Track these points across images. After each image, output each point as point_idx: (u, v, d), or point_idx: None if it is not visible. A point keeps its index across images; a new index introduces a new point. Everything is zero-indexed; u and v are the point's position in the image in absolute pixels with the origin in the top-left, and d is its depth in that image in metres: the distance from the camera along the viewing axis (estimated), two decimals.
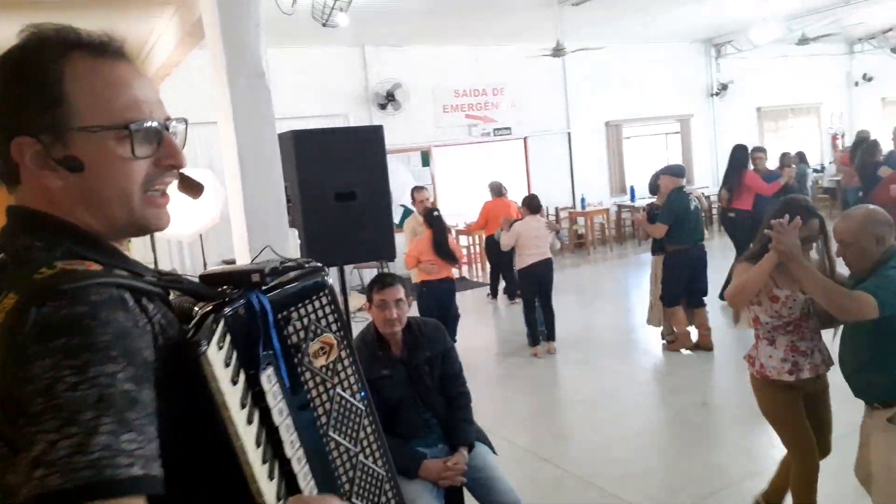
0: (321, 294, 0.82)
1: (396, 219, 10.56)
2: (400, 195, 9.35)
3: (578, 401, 5.65)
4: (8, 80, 0.88)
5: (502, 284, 9.38)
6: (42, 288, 0.76)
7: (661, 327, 6.62)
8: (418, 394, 3.13)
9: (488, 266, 9.92)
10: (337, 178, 3.34)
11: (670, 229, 6.16)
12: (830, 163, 15.48)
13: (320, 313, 0.81)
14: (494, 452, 3.25)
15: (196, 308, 0.83)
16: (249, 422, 0.76)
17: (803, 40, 10.86)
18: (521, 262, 6.66)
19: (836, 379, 2.98)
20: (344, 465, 0.78)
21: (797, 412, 3.02)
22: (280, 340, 0.81)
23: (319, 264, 0.89)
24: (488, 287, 9.76)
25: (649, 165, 15.41)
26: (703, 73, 15.07)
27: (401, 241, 7.58)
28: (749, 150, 8.11)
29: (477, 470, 3.08)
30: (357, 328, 3.47)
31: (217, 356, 0.76)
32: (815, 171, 15.54)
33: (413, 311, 3.41)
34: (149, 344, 0.78)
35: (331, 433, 0.78)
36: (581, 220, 12.96)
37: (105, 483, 0.68)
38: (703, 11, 11.94)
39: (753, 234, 7.36)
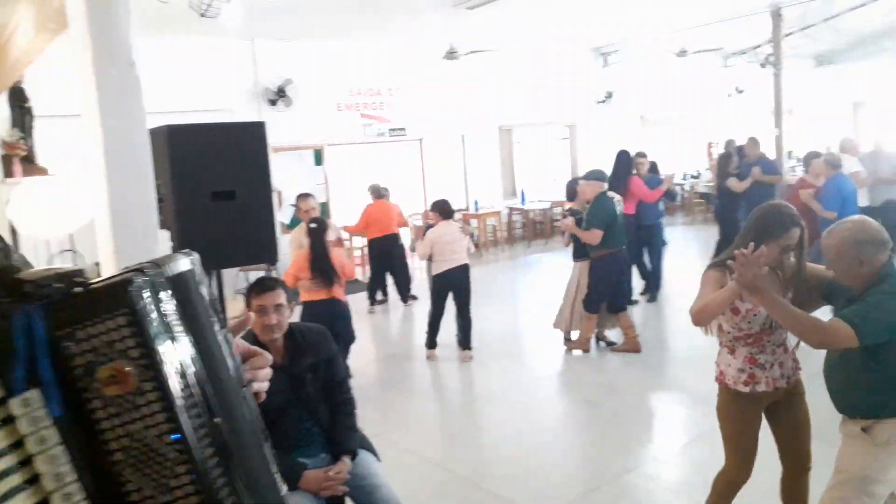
0: (118, 313, 0.72)
1: (287, 218, 10.39)
2: (290, 194, 9.12)
3: (468, 403, 5.69)
4: None
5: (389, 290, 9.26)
6: None
7: (573, 331, 6.57)
8: (300, 402, 3.02)
9: (369, 271, 9.64)
10: (214, 177, 3.16)
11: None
12: (707, 169, 16.45)
13: (115, 335, 0.71)
14: (378, 459, 3.20)
15: None
16: None
17: (682, 52, 11.48)
18: (436, 269, 6.49)
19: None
20: None
21: (747, 423, 2.96)
22: (56, 361, 0.71)
23: (143, 271, 0.77)
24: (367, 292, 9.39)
25: (539, 170, 15.88)
26: (590, 79, 15.63)
27: (288, 243, 7.38)
28: (632, 156, 8.37)
29: (360, 478, 3.02)
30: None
31: None
32: (693, 177, 16.52)
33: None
34: None
35: (127, 472, 0.69)
36: (474, 223, 13.13)
37: None
38: (591, 20, 12.37)
39: (637, 237, 7.61)
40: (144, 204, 2.93)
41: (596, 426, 5.00)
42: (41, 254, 8.94)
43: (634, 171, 8.14)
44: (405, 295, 9.25)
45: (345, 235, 9.40)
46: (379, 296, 9.39)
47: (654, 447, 4.53)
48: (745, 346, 2.92)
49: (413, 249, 7.01)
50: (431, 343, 6.72)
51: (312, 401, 3.05)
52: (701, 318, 2.83)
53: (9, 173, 6.04)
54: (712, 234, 9.62)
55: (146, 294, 0.74)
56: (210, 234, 3.08)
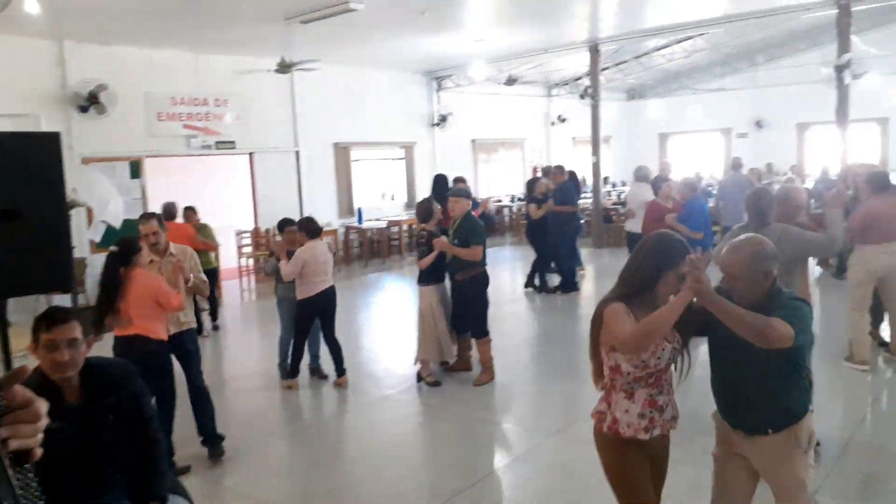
0: None
1: (98, 236, 9.47)
2: (101, 210, 8.31)
3: (302, 430, 5.45)
4: None
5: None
6: None
7: (437, 359, 6.23)
8: (99, 447, 2.69)
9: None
10: None
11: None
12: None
13: None
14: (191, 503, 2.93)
15: None
16: None
17: (510, 81, 12.04)
18: (306, 291, 6.02)
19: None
20: None
21: (645, 473, 2.73)
22: None
23: None
24: None
25: (376, 189, 15.89)
26: (425, 103, 15.94)
27: (97, 263, 6.64)
28: (450, 179, 8.47)
29: None
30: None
31: None
32: (520, 199, 17.34)
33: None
34: None
35: None
36: None
37: None
38: (423, 45, 12.62)
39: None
40: None
41: (431, 448, 4.98)
42: None
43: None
44: (214, 321, 8.66)
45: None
46: None
47: (483, 466, 4.58)
48: (645, 387, 2.65)
49: (269, 271, 6.32)
50: (295, 371, 6.19)
51: (113, 444, 2.73)
52: (647, 339, 2.50)
53: None
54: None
55: None
56: None
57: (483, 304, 6.10)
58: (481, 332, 6.08)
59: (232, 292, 11.23)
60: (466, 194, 6.19)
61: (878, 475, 4.13)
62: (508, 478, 4.41)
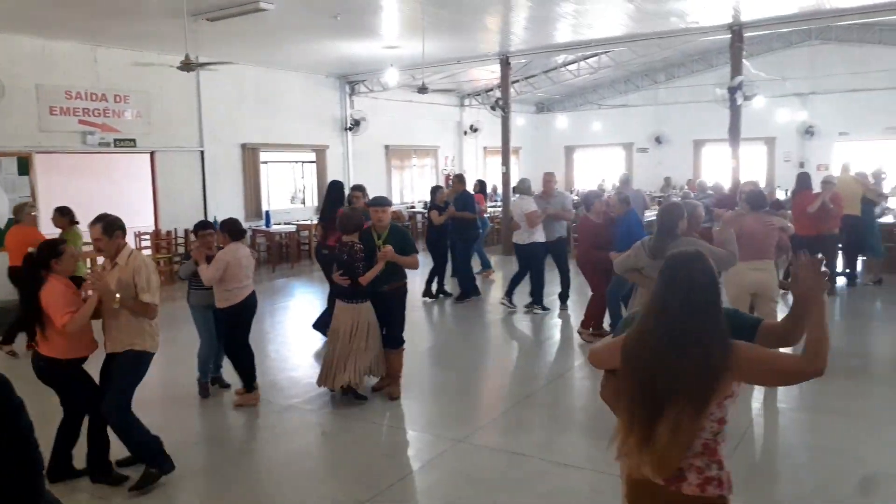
0: None
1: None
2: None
3: (201, 443, 5.25)
4: None
5: None
6: None
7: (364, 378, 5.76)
8: None
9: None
10: None
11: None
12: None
13: None
14: None
15: None
16: None
17: (423, 89, 12.10)
18: (230, 299, 5.59)
19: None
20: None
21: None
22: None
23: None
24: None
25: (286, 192, 15.59)
26: (338, 107, 15.78)
27: None
28: (346, 186, 8.15)
29: None
30: None
31: None
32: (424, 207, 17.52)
33: None
34: None
35: None
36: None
37: None
38: (337, 48, 12.50)
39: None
40: None
41: (336, 458, 4.91)
42: None
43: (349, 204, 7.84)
44: None
45: None
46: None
47: (389, 475, 4.56)
48: (724, 440, 2.24)
49: (183, 275, 5.92)
50: (249, 384, 5.77)
51: None
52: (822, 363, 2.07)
53: None
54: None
55: None
56: None
57: (404, 313, 5.97)
58: (399, 342, 5.90)
59: None
60: (389, 202, 6.01)
61: (763, 465, 4.40)
62: (415, 486, 4.40)
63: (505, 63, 14.08)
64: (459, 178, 10.50)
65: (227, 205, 13.07)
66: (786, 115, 17.80)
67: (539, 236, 8.74)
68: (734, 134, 12.07)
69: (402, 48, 12.39)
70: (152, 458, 4.31)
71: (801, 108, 18.08)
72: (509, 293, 9.07)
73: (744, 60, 12.27)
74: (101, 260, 7.01)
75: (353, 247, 5.46)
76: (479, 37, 12.39)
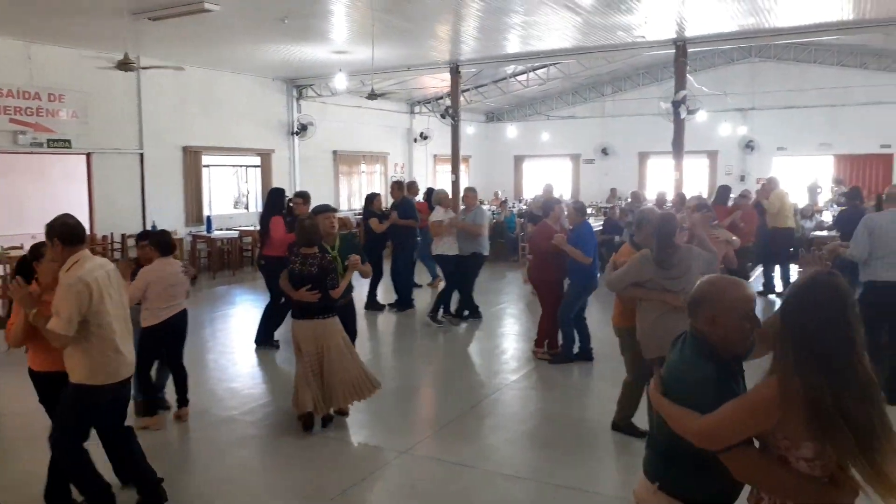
0: None
1: None
2: None
3: None
4: None
5: None
6: None
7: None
8: None
9: None
10: None
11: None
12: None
13: None
14: None
15: None
16: None
17: (372, 95, 12.00)
18: (149, 319, 5.18)
19: None
20: None
21: None
22: None
23: None
24: None
25: (230, 197, 15.25)
26: (284, 110, 15.54)
27: None
28: (286, 195, 7.87)
29: None
30: None
31: None
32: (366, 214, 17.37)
33: None
34: None
35: None
36: None
37: None
38: (284, 52, 12.31)
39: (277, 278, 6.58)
40: None
41: (276, 471, 4.76)
42: None
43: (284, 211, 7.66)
44: None
45: None
46: None
47: (331, 488, 4.44)
48: None
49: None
50: (155, 407, 5.40)
51: None
52: None
53: None
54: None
55: None
56: None
57: (356, 328, 5.86)
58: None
59: None
60: (334, 209, 5.82)
61: None
62: (357, 500, 4.29)
63: (455, 72, 14.09)
64: (398, 185, 10.17)
65: (167, 209, 12.70)
66: (727, 130, 18.33)
67: (445, 249, 8.70)
68: (678, 147, 12.34)
69: (351, 53, 12.27)
70: None
71: (741, 123, 18.65)
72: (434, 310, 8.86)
73: (688, 75, 12.56)
74: None
75: (324, 258, 5.15)
76: (429, 45, 12.37)
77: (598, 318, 7.78)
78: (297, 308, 5.18)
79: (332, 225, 5.64)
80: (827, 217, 13.30)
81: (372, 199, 9.86)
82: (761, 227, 10.05)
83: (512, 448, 5.02)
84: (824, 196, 16.23)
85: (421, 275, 11.16)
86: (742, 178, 18.31)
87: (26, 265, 3.95)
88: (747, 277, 10.02)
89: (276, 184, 15.01)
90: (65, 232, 3.61)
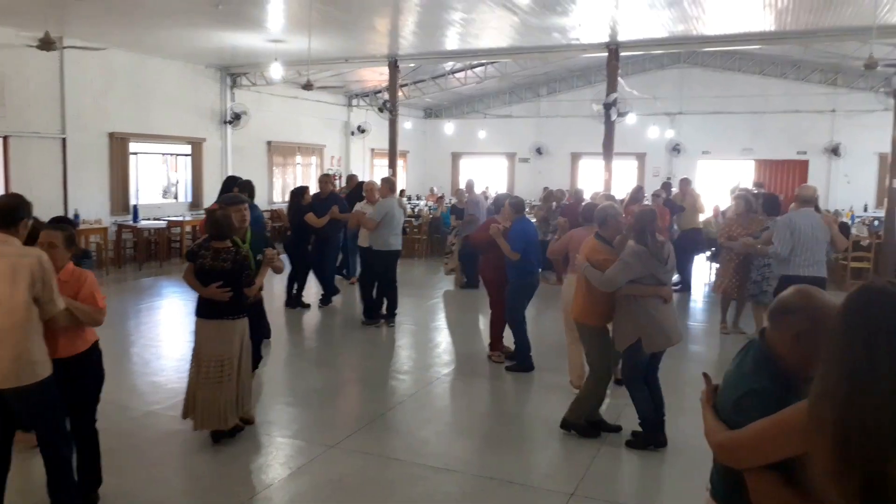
0: None
1: None
2: None
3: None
4: None
5: None
6: None
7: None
8: None
9: None
10: None
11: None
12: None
13: None
14: None
15: None
16: None
17: (308, 86, 11.83)
18: None
19: None
20: None
21: None
22: None
23: None
24: None
25: (158, 186, 14.76)
26: (217, 99, 15.15)
27: None
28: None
29: None
30: None
31: None
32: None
33: None
34: None
35: None
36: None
37: None
38: (217, 38, 12.01)
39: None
40: None
41: (198, 468, 4.66)
42: None
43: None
44: None
45: None
46: None
47: (257, 483, 4.38)
48: None
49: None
50: None
51: None
52: None
53: None
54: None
55: None
56: None
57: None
58: (258, 360, 5.47)
59: None
60: (243, 200, 5.44)
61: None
62: (282, 494, 4.25)
63: (393, 66, 14.05)
64: (325, 178, 9.77)
65: (90, 197, 12.22)
66: (656, 133, 18.92)
67: (362, 241, 8.64)
68: (608, 148, 12.66)
69: (287, 43, 12.07)
70: None
71: (669, 127, 19.28)
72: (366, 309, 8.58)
73: (619, 79, 12.90)
74: None
75: (238, 253, 4.74)
76: (367, 37, 12.29)
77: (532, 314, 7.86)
78: (204, 306, 4.75)
79: (243, 218, 5.26)
80: None
81: (301, 192, 9.42)
82: (669, 226, 10.44)
83: (442, 441, 5.06)
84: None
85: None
86: (668, 180, 18.93)
87: None
88: None
89: (206, 173, 14.67)
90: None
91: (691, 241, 10.73)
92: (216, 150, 15.11)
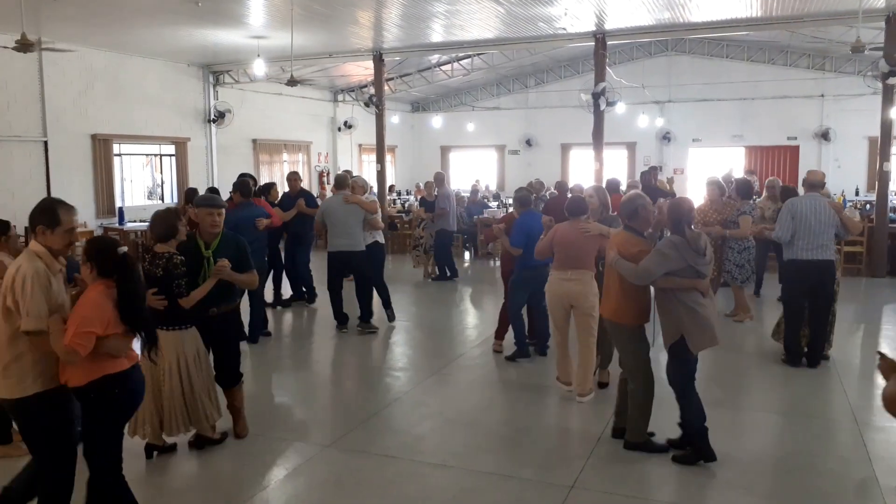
0: None
1: None
2: None
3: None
4: None
5: None
6: None
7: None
8: None
9: None
10: None
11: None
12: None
13: None
14: None
15: None
16: None
17: (292, 82, 11.67)
18: None
19: None
20: None
21: None
22: None
23: None
24: None
25: (143, 187, 14.58)
26: (200, 97, 14.96)
27: None
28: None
29: None
30: None
31: None
32: None
33: None
34: None
35: None
36: None
37: None
38: (199, 36, 11.83)
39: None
40: None
41: (196, 467, 4.55)
42: None
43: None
44: None
45: None
46: None
47: (253, 484, 4.28)
48: None
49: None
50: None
51: None
52: None
53: None
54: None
55: None
56: None
57: (239, 343, 4.98)
58: (237, 378, 4.87)
59: None
60: (222, 203, 4.86)
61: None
62: (280, 494, 4.15)
63: (379, 60, 13.91)
64: (294, 175, 9.36)
65: (75, 200, 11.83)
66: (645, 121, 18.86)
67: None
68: (598, 138, 12.58)
69: (270, 39, 11.92)
70: None
71: (659, 115, 19.22)
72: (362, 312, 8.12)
73: (607, 68, 12.82)
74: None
75: (172, 259, 4.25)
76: (351, 31, 12.14)
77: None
78: (156, 315, 4.12)
79: (213, 223, 4.63)
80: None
81: (268, 189, 8.81)
82: None
83: (439, 437, 4.96)
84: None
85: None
86: (660, 169, 18.88)
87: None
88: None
89: (192, 173, 14.50)
90: None
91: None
92: (201, 150, 14.93)
